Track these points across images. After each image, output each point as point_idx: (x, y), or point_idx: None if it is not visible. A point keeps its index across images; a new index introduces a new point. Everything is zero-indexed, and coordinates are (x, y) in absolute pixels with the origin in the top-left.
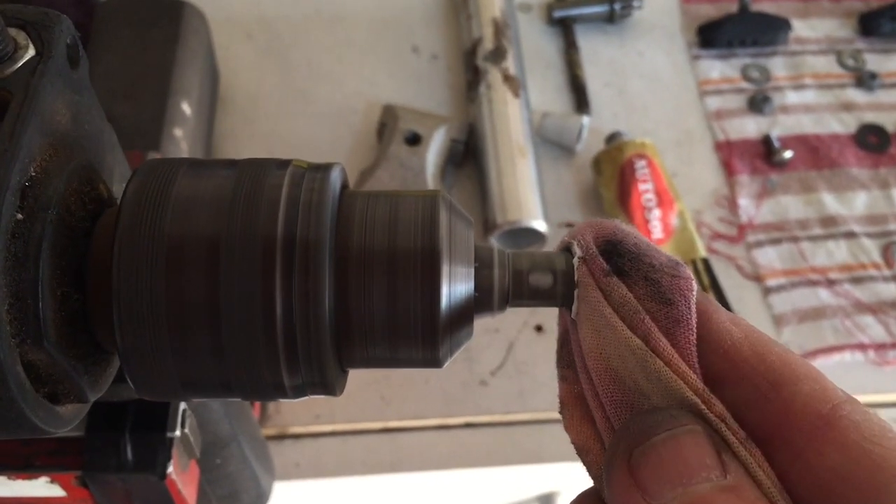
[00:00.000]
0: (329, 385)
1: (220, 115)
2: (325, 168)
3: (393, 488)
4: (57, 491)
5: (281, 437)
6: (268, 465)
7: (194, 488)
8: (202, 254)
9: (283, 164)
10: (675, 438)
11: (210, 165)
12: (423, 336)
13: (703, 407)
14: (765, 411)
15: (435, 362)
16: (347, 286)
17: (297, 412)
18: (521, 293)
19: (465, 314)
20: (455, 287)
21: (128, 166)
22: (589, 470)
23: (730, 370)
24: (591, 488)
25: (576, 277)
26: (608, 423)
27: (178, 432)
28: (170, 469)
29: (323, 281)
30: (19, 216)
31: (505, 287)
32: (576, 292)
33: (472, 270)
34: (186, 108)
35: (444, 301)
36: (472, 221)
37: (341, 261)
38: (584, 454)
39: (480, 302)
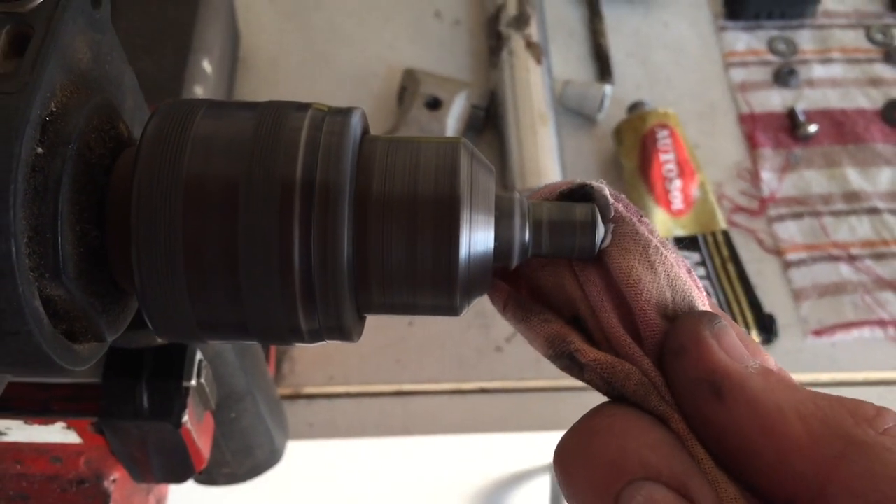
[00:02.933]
0: (346, 330)
1: (241, 77)
2: (345, 112)
3: (405, 451)
4: (73, 437)
5: (295, 397)
6: (282, 423)
7: (209, 439)
8: (220, 195)
9: (304, 106)
10: (730, 326)
11: (230, 107)
12: (441, 283)
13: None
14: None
15: (452, 310)
16: (366, 231)
17: (312, 373)
18: (540, 243)
19: (483, 263)
20: (475, 235)
21: (147, 108)
22: (623, 383)
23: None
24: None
25: (613, 214)
26: (638, 340)
27: (193, 381)
28: (185, 418)
29: (342, 225)
30: (39, 150)
31: (525, 237)
32: (611, 228)
33: (493, 219)
34: (207, 66)
35: (464, 248)
36: (493, 169)
37: (360, 205)
38: (612, 369)
39: (500, 251)
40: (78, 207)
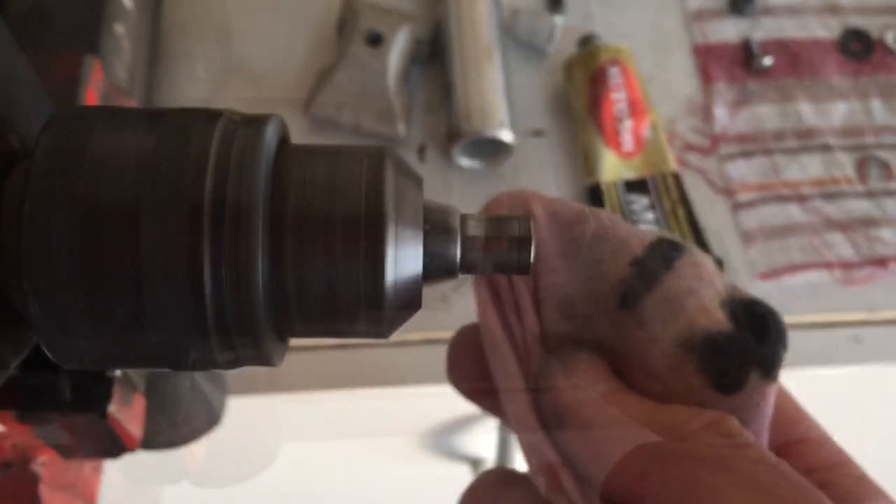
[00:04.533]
0: (265, 357)
1: (167, 9)
2: (260, 122)
3: (350, 404)
4: None
5: None
6: (220, 384)
7: (139, 422)
8: (122, 216)
9: (214, 117)
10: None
11: (132, 116)
12: (367, 305)
13: None
14: None
15: (379, 334)
16: (283, 253)
17: None
18: (474, 260)
19: (413, 282)
20: (402, 252)
21: (49, 99)
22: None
23: None
24: None
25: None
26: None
27: (117, 371)
28: (111, 408)
29: (255, 248)
30: None
31: (455, 252)
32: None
33: (421, 234)
34: (128, 0)
35: (390, 268)
36: (421, 179)
37: (276, 226)
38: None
39: (430, 269)
40: None
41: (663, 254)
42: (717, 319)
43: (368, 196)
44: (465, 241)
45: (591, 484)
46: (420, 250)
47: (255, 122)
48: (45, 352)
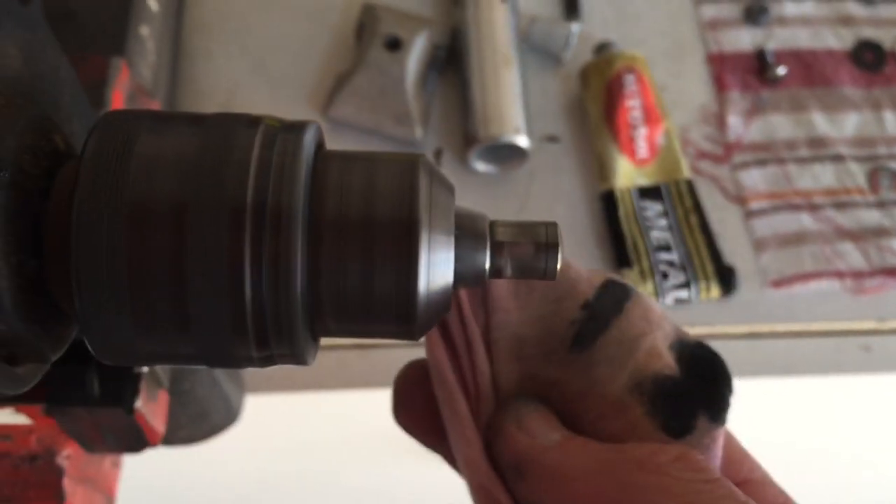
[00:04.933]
0: (300, 356)
1: (189, 13)
2: (299, 128)
3: (364, 403)
4: (23, 419)
5: None
6: (238, 381)
7: (163, 417)
8: (167, 218)
9: (255, 122)
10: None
11: (176, 121)
12: (400, 310)
13: None
14: None
15: (410, 335)
16: (320, 255)
17: None
18: (502, 265)
19: (444, 286)
20: (434, 257)
21: (87, 101)
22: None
23: None
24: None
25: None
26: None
27: (145, 367)
28: (138, 403)
29: (295, 249)
30: None
31: (485, 258)
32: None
33: (452, 240)
34: (153, 2)
35: (423, 273)
36: (453, 187)
37: (314, 229)
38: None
39: (460, 273)
40: (12, 238)
41: (614, 296)
42: (667, 364)
43: (403, 202)
44: (494, 246)
45: None
46: (451, 255)
47: (295, 128)
48: (89, 348)
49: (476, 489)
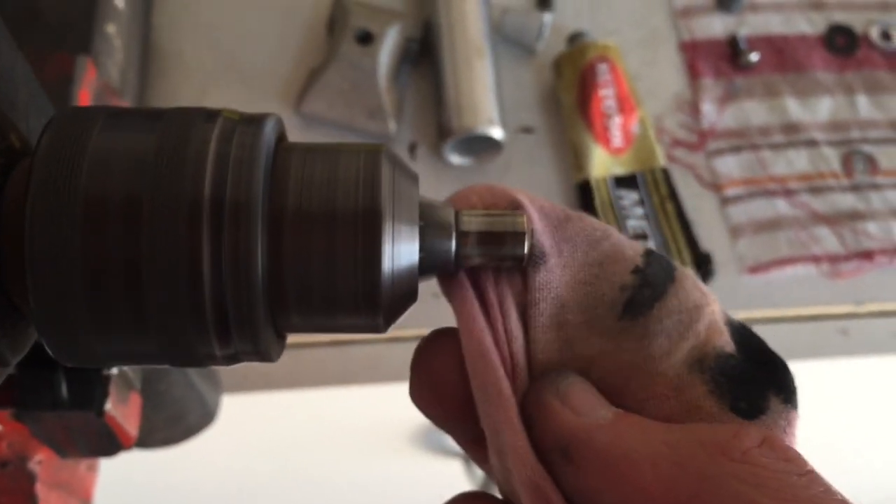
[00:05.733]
0: (264, 353)
1: (157, 10)
2: (258, 120)
3: (343, 401)
4: None
5: None
6: (214, 382)
7: (136, 419)
8: (122, 213)
9: (213, 115)
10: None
11: (131, 116)
12: (364, 300)
13: None
14: None
15: (375, 328)
16: (282, 249)
17: None
18: (469, 254)
19: (409, 277)
20: (398, 247)
21: (45, 97)
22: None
23: None
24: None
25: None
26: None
27: (115, 369)
28: (108, 405)
29: (255, 243)
30: None
31: (451, 247)
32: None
33: (417, 230)
34: (119, 0)
35: (387, 262)
36: (417, 176)
37: (275, 222)
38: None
39: (426, 263)
40: None
41: (661, 264)
42: (727, 340)
43: (365, 193)
44: (460, 235)
45: None
46: (416, 245)
47: (254, 121)
48: (47, 349)
49: (524, 484)
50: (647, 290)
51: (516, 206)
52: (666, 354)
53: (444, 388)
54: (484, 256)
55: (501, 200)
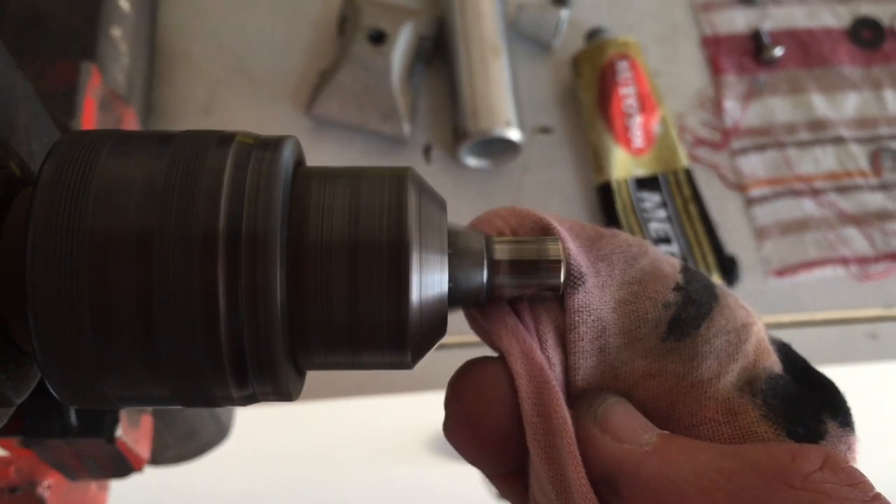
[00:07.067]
0: (284, 393)
1: (163, 12)
2: (274, 144)
3: (358, 412)
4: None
5: None
6: None
7: (147, 442)
8: (131, 250)
9: (226, 139)
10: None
11: (140, 141)
12: (391, 335)
13: None
14: None
15: (404, 364)
16: (302, 284)
17: None
18: (501, 284)
19: (438, 309)
20: (426, 278)
21: (48, 117)
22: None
23: None
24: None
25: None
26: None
27: None
28: (118, 431)
29: (274, 277)
30: None
31: (482, 277)
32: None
33: (446, 259)
34: (124, 2)
35: (415, 296)
36: (444, 203)
37: (295, 255)
38: None
39: (455, 295)
40: None
41: (701, 280)
42: (775, 360)
43: (391, 221)
44: (492, 265)
45: None
46: (445, 276)
47: (270, 145)
48: (52, 392)
49: None
50: (691, 307)
51: (545, 229)
52: (716, 377)
53: (485, 424)
54: (518, 286)
55: (527, 222)
